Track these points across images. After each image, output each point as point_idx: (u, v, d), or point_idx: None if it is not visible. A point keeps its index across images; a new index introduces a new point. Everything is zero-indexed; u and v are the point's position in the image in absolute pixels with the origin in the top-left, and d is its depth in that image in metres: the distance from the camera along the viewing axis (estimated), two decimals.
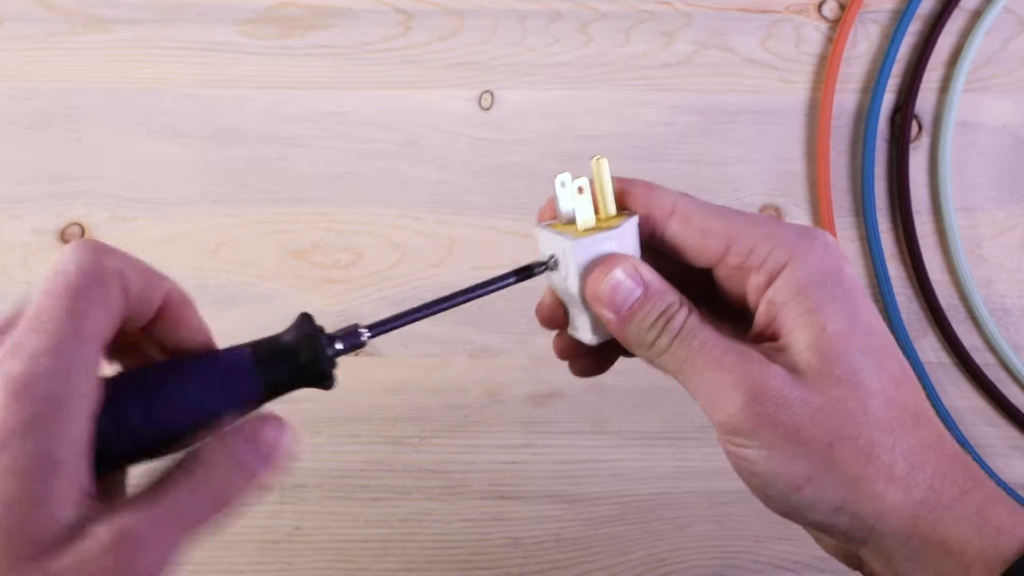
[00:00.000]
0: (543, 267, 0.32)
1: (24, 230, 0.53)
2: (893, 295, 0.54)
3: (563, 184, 0.31)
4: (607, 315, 0.30)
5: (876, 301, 0.54)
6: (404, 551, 0.50)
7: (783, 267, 0.30)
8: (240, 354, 0.29)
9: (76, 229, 0.53)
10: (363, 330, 0.30)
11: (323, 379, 0.30)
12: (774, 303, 0.30)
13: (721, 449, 0.30)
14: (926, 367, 0.53)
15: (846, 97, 0.57)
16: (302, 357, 0.29)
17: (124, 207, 0.53)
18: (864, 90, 0.57)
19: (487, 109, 0.55)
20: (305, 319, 0.30)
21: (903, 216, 0.55)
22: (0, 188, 0.53)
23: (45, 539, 0.23)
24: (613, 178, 0.32)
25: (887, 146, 0.56)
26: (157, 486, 0.25)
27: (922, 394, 0.30)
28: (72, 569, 0.23)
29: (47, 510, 0.23)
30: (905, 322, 0.54)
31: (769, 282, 0.30)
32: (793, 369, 0.29)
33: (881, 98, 0.56)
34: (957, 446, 0.29)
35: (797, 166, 0.56)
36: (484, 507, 0.51)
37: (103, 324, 0.25)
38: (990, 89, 0.57)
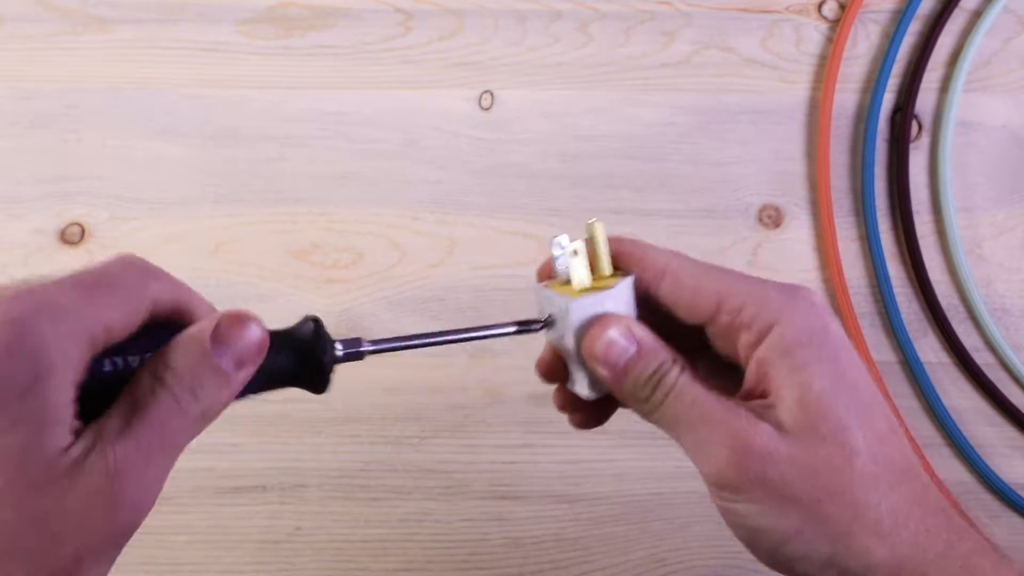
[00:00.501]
0: (541, 325, 0.33)
1: (24, 230, 0.53)
2: (893, 295, 0.54)
3: (561, 246, 0.32)
4: (603, 372, 0.31)
5: (876, 301, 0.54)
6: (404, 551, 0.50)
7: (771, 327, 0.30)
8: None
9: (76, 229, 0.53)
10: (366, 344, 0.31)
11: (318, 381, 0.30)
12: (763, 362, 0.30)
13: None
14: (926, 367, 0.53)
15: (846, 97, 0.57)
16: (304, 354, 0.29)
17: (124, 207, 0.53)
18: (864, 90, 0.57)
19: (487, 109, 0.55)
20: (314, 321, 0.30)
21: (903, 216, 0.55)
22: (0, 188, 0.53)
23: (46, 478, 0.25)
24: (609, 238, 0.33)
25: (887, 146, 0.56)
26: (138, 403, 0.26)
27: (908, 447, 0.31)
28: (73, 509, 0.25)
29: (44, 456, 0.25)
30: (905, 322, 0.54)
31: (758, 341, 0.31)
32: (781, 427, 0.29)
33: (881, 98, 0.56)
34: (943, 499, 0.30)
35: (797, 166, 0.56)
36: (484, 507, 0.51)
37: (115, 324, 0.27)
38: (990, 89, 0.57)
